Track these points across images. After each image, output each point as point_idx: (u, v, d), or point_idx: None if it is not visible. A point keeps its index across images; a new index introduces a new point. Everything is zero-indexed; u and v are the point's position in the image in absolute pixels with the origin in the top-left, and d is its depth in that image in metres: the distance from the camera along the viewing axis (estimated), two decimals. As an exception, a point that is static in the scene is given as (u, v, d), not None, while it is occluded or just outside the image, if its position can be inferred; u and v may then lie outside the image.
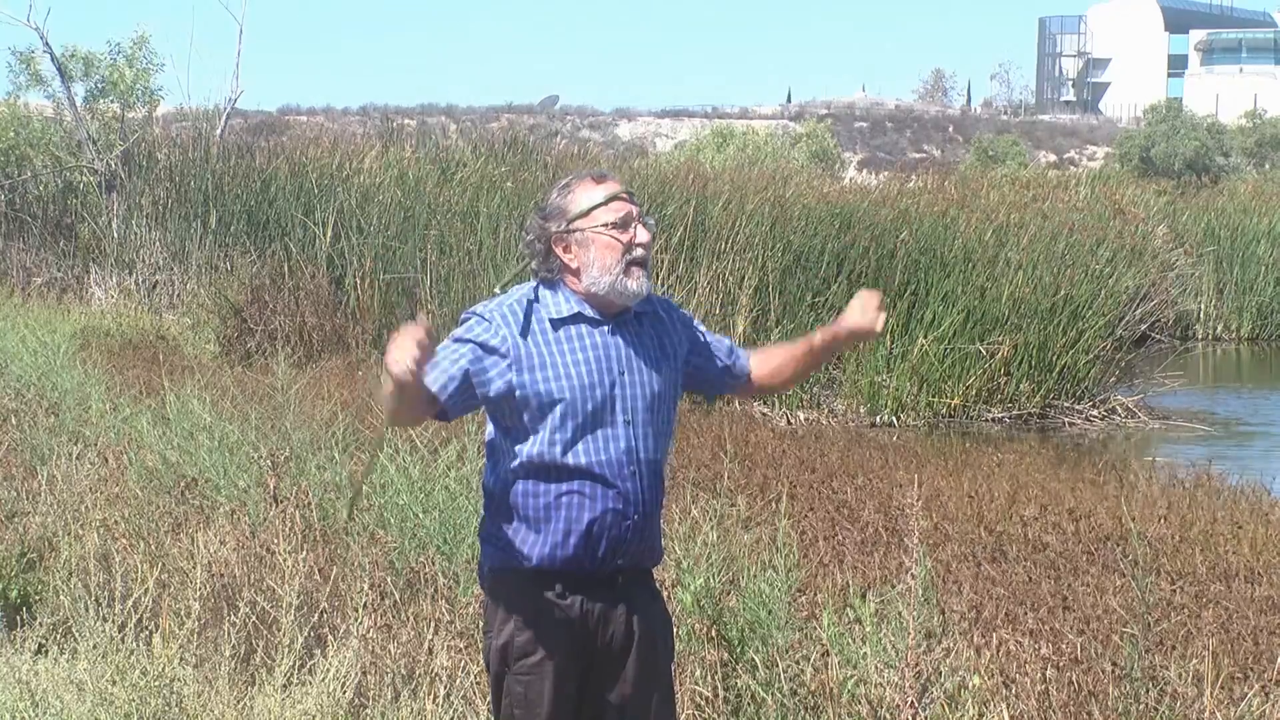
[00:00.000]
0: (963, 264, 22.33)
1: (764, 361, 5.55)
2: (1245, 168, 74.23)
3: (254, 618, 7.66)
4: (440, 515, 8.95)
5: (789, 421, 19.14)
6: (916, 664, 6.10)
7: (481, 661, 5.42)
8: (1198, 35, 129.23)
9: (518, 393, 5.07)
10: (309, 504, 9.72)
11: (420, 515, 9.06)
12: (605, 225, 5.11)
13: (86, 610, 7.46)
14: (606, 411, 5.10)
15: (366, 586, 7.88)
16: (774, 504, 9.80)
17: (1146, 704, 6.17)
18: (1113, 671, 6.62)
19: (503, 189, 24.06)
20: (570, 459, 5.07)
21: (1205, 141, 76.26)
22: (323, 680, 6.95)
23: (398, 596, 8.18)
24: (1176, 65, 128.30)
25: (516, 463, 5.12)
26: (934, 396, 20.77)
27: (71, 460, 11.36)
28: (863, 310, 5.37)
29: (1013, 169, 63.04)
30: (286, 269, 22.90)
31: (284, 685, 6.94)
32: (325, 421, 11.71)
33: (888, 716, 6.21)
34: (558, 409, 5.06)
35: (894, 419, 20.45)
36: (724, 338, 5.53)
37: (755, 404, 20.17)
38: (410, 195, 24.66)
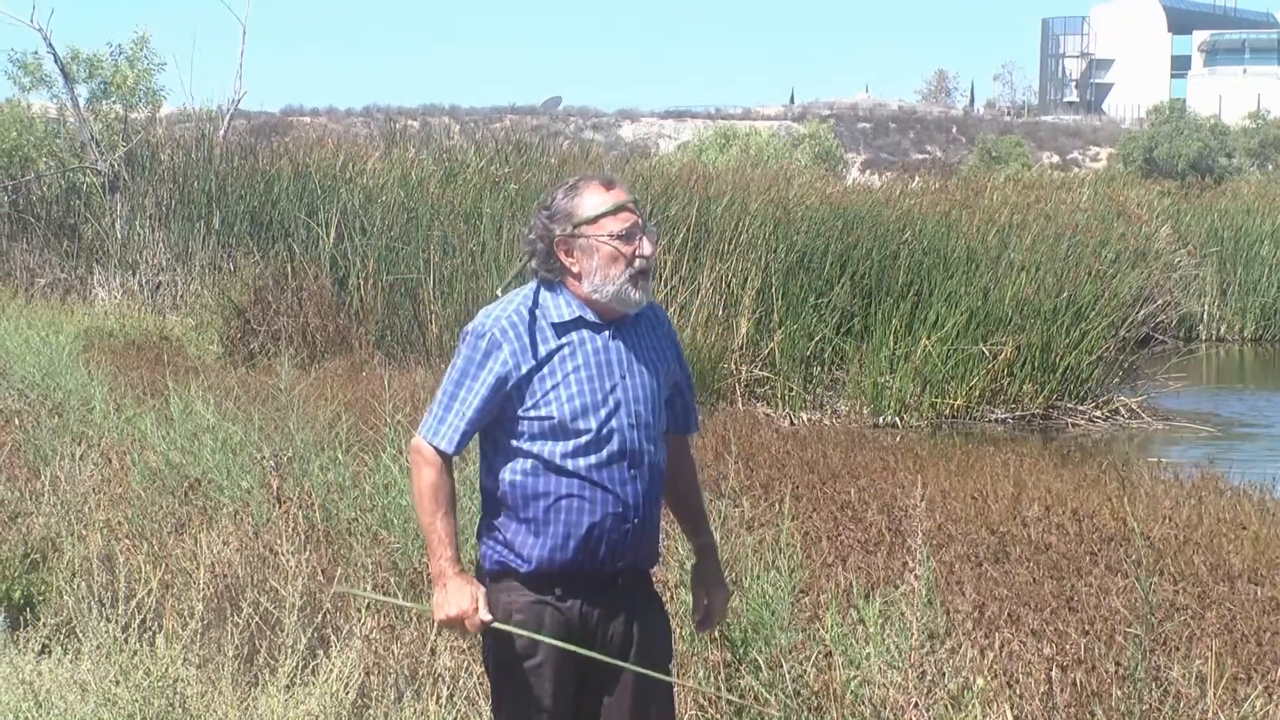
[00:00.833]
0: (966, 265, 22.32)
1: (684, 464, 5.57)
2: (1248, 168, 74.28)
3: (257, 618, 7.66)
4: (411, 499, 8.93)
5: (792, 422, 19.13)
6: (920, 665, 6.09)
7: (482, 663, 5.41)
8: (1201, 36, 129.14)
9: (526, 402, 5.08)
10: (312, 505, 9.73)
11: (423, 516, 9.04)
12: (611, 235, 5.11)
13: (90, 611, 7.46)
14: (608, 416, 5.10)
15: (370, 587, 7.89)
16: (777, 505, 9.79)
17: (1150, 705, 6.17)
18: (1116, 672, 6.62)
19: (506, 190, 24.05)
20: (571, 464, 5.08)
21: (1208, 142, 76.28)
22: (326, 681, 6.95)
23: (401, 597, 8.18)
24: (1179, 66, 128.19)
25: (515, 466, 5.12)
26: (937, 397, 20.75)
27: (75, 461, 11.36)
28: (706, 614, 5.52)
29: (1016, 170, 63.03)
30: (290, 270, 22.89)
31: (287, 686, 6.94)
32: (328, 422, 11.72)
33: (891, 717, 6.21)
34: (560, 417, 5.07)
35: (897, 420, 20.44)
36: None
37: (759, 405, 20.17)
38: (413, 196, 24.65)
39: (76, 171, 30.32)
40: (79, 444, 12.08)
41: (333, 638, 7.47)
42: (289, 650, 7.17)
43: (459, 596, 5.05)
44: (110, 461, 11.60)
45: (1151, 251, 32.83)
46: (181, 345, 21.91)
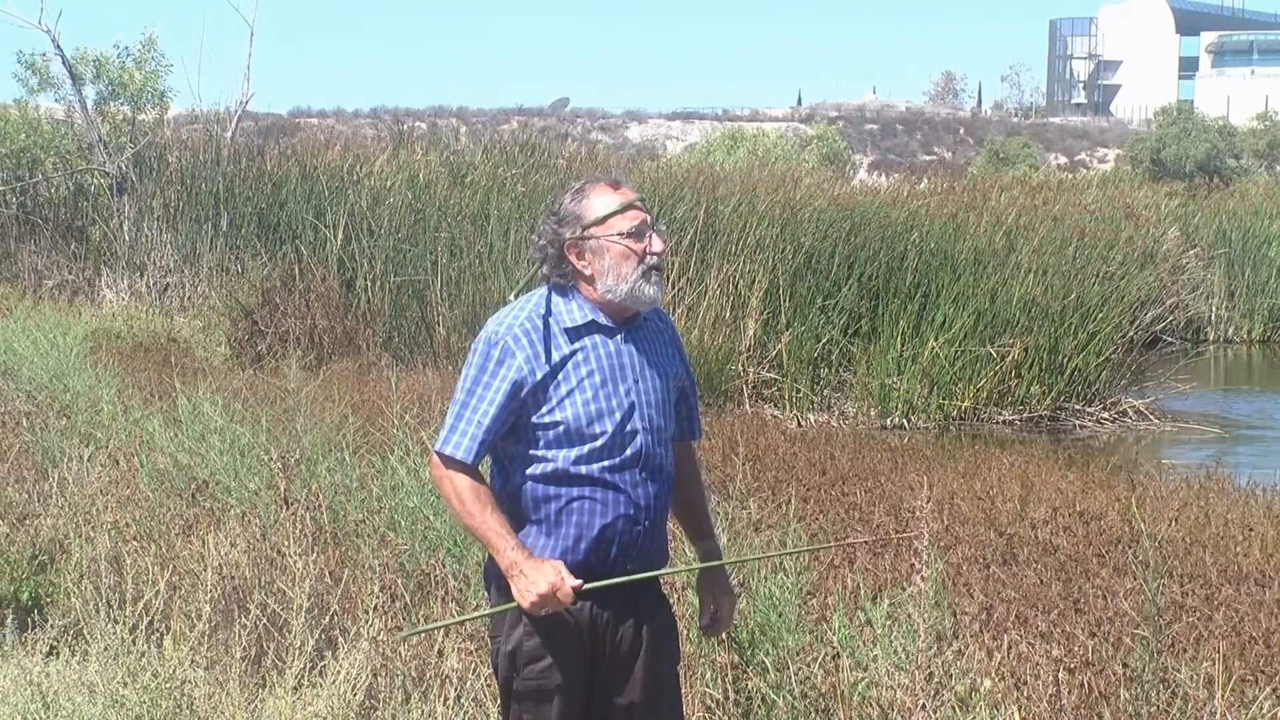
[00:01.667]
0: (973, 266, 22.31)
1: (689, 471, 5.57)
2: (1257, 170, 74.22)
3: (265, 620, 7.66)
4: (451, 518, 8.95)
5: (800, 424, 19.13)
6: (927, 667, 6.09)
7: (490, 665, 5.41)
8: (1209, 37, 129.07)
9: (541, 408, 5.09)
10: (320, 506, 9.74)
11: (431, 518, 9.07)
12: (620, 234, 5.12)
13: (98, 612, 7.47)
14: (623, 420, 5.11)
15: (377, 589, 7.89)
16: (785, 506, 9.80)
17: (1158, 706, 6.17)
18: (1124, 674, 6.62)
19: (514, 191, 24.06)
20: (584, 468, 5.08)
21: (1216, 144, 76.18)
22: (333, 683, 6.96)
23: (408, 599, 8.19)
24: (1187, 67, 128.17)
25: (528, 469, 5.12)
26: (945, 399, 20.74)
27: (83, 462, 11.37)
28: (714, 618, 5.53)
29: (1023, 171, 63.04)
30: (297, 271, 22.91)
31: (295, 688, 6.94)
32: (336, 424, 11.73)
33: (899, 719, 6.21)
34: (575, 422, 5.07)
35: (905, 421, 20.44)
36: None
37: (766, 407, 20.17)
38: (421, 197, 24.66)
39: (84, 173, 30.34)
40: (87, 445, 12.09)
41: (340, 639, 7.47)
42: (296, 652, 7.18)
43: (540, 576, 4.99)
44: (118, 463, 11.61)
45: (1159, 253, 32.78)
46: (189, 347, 21.92)
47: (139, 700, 6.67)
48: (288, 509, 9.66)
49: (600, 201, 5.14)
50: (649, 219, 5.20)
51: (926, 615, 6.10)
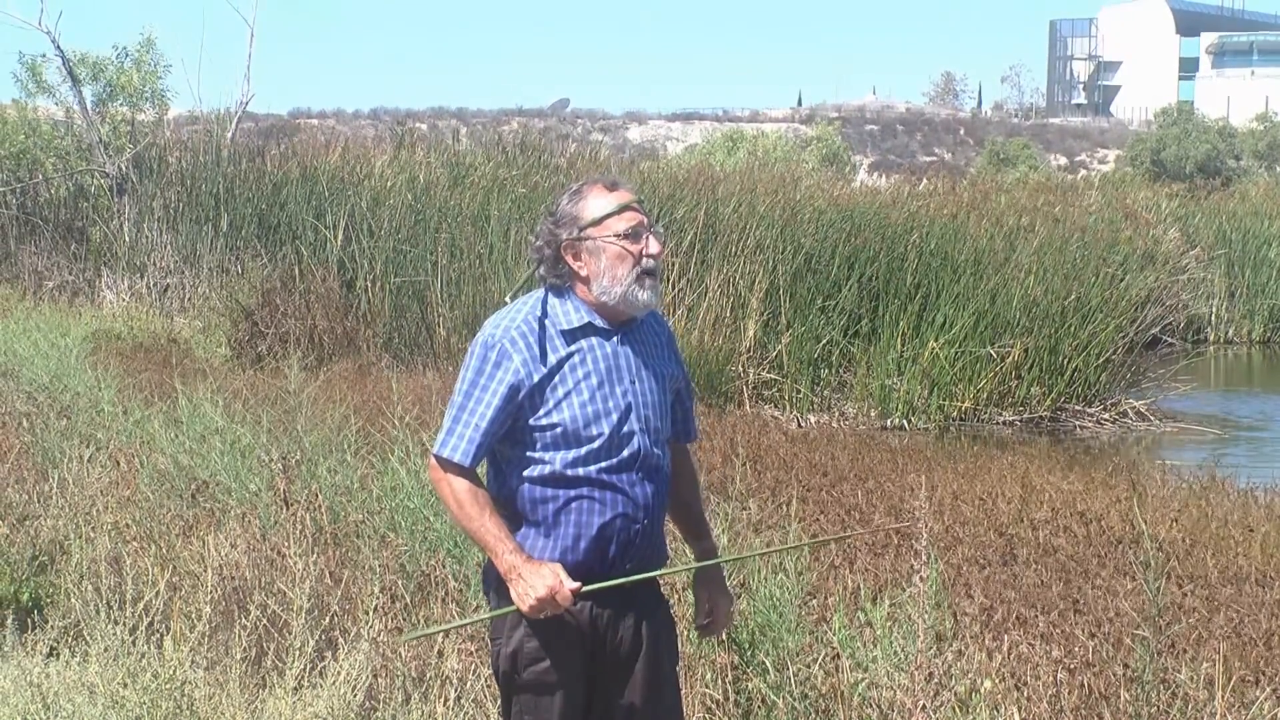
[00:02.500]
0: (973, 267, 22.32)
1: (686, 470, 5.55)
2: (1257, 170, 74.25)
3: (265, 621, 7.66)
4: (449, 520, 8.95)
5: (800, 425, 19.13)
6: (927, 667, 6.09)
7: (491, 667, 5.40)
8: (1209, 38, 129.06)
9: (538, 410, 5.09)
10: (320, 507, 9.74)
11: (431, 518, 9.07)
12: (617, 235, 5.11)
13: (98, 613, 7.47)
14: (619, 422, 5.11)
15: (377, 589, 7.89)
16: (785, 507, 9.80)
17: (1158, 707, 6.17)
18: (1124, 674, 6.62)
19: (514, 192, 24.06)
20: (582, 469, 5.08)
21: (1216, 144, 76.18)
22: (333, 683, 6.96)
23: (408, 599, 8.19)
24: (1187, 68, 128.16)
25: (525, 471, 5.12)
26: (945, 400, 20.75)
27: (83, 463, 11.37)
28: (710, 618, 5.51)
29: (1023, 172, 63.06)
30: (297, 272, 22.91)
31: (295, 688, 6.94)
32: (336, 425, 11.72)
33: (899, 719, 6.21)
34: (573, 424, 5.07)
35: (905, 422, 20.44)
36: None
37: (766, 407, 20.17)
38: (421, 198, 24.67)
39: (84, 174, 30.34)
40: (87, 446, 12.08)
41: (340, 640, 7.47)
42: (297, 653, 7.18)
43: (539, 579, 4.98)
44: (118, 464, 11.61)
45: (1159, 254, 32.85)
46: (189, 348, 21.92)
47: (139, 701, 6.67)
48: (288, 510, 9.66)
49: (597, 203, 5.14)
50: (646, 220, 5.19)
51: (926, 616, 6.10)
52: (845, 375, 21.34)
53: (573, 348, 5.11)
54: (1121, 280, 23.31)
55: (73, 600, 8.33)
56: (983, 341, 21.13)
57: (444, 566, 8.54)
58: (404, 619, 7.90)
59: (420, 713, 6.84)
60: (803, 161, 55.04)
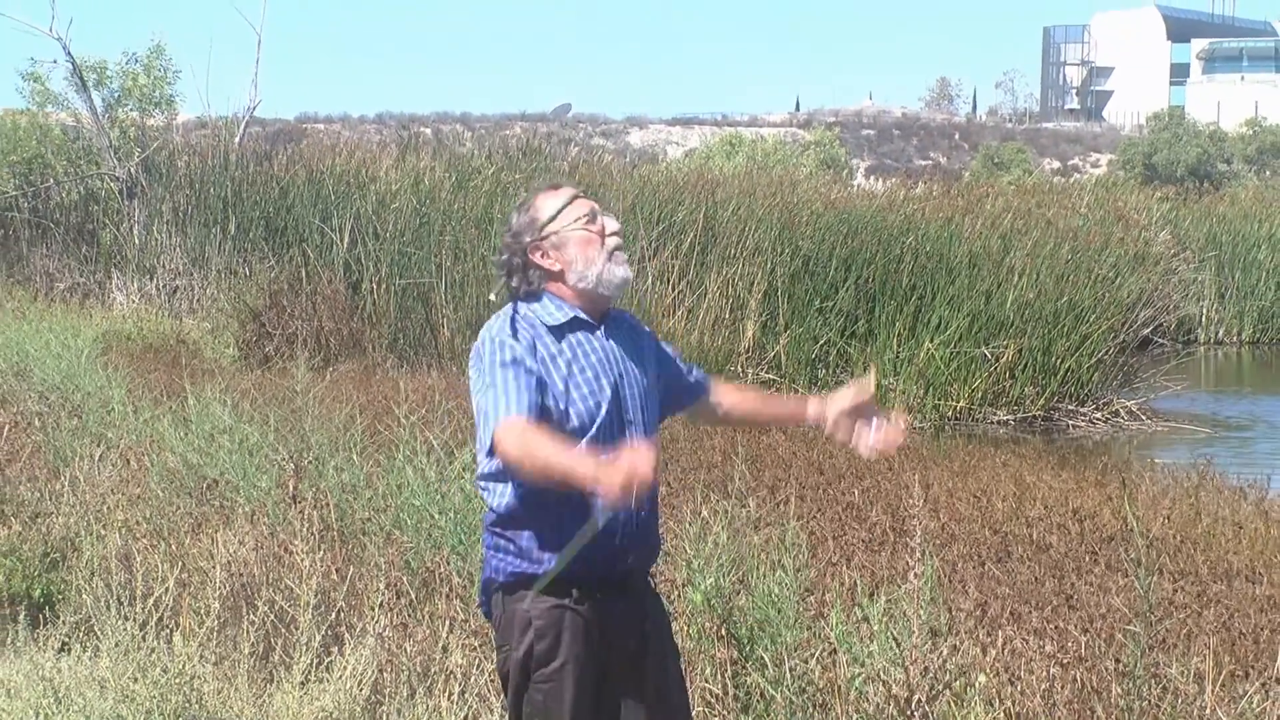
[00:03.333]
0: (968, 269, 22.32)
1: (733, 392, 5.63)
2: (1246, 174, 74.29)
3: (272, 616, 7.67)
4: (455, 516, 8.96)
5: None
6: (923, 662, 6.10)
7: (497, 669, 5.34)
8: (1199, 44, 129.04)
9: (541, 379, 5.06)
10: (327, 505, 9.74)
11: (436, 516, 9.07)
12: (576, 221, 5.17)
13: (108, 609, 7.47)
14: (613, 413, 5.10)
15: (383, 586, 7.90)
16: (783, 505, 9.80)
17: (1149, 701, 6.17)
18: (1116, 669, 6.62)
19: (518, 196, 23.96)
20: None
21: (1207, 148, 76.29)
22: (340, 678, 6.96)
23: (413, 596, 8.19)
24: (1179, 74, 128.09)
25: (521, 494, 5.09)
26: (940, 399, 20.76)
27: (94, 462, 11.38)
28: (858, 392, 5.53)
29: (1017, 176, 63.02)
30: (304, 274, 22.92)
31: (302, 683, 6.95)
32: (343, 424, 11.73)
33: (895, 714, 6.21)
34: (572, 419, 5.05)
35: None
36: (687, 364, 5.58)
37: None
38: (426, 202, 24.67)
39: (94, 178, 30.34)
40: (98, 445, 12.09)
41: (346, 635, 7.48)
42: (304, 648, 7.18)
43: (615, 469, 4.68)
44: (128, 462, 11.61)
45: (1151, 256, 32.79)
46: (198, 348, 21.92)
47: (149, 695, 6.67)
48: (295, 507, 9.66)
49: (547, 202, 5.19)
50: (596, 206, 5.26)
51: (922, 612, 6.10)
52: (842, 375, 21.35)
53: (562, 343, 5.11)
54: (1113, 282, 23.28)
55: (84, 596, 8.33)
56: (977, 342, 21.14)
57: (448, 564, 8.55)
58: (409, 615, 7.90)
59: (425, 707, 6.85)
60: (800, 165, 55.00)
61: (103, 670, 7.02)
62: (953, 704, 6.13)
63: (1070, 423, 21.28)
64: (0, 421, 13.75)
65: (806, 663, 6.72)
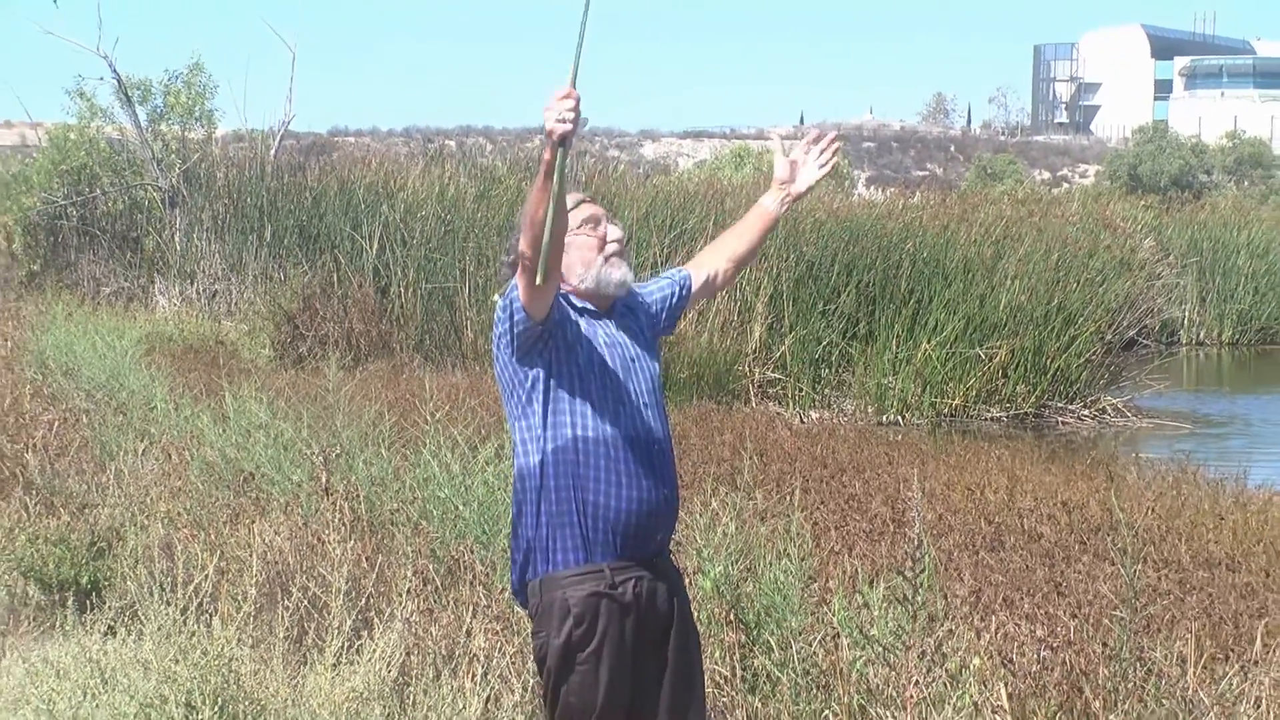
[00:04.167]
0: (963, 274, 22.30)
1: (716, 254, 5.68)
2: (1226, 184, 74.17)
3: (306, 602, 7.67)
4: (479, 507, 8.97)
5: (802, 420, 19.11)
6: (921, 646, 6.09)
7: (534, 657, 5.25)
8: (1182, 61, 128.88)
9: (561, 374, 5.04)
10: (357, 496, 9.75)
11: (460, 507, 9.08)
12: (578, 226, 5.15)
13: (151, 595, 7.48)
14: (628, 396, 5.10)
15: (410, 573, 7.90)
16: (789, 497, 9.80)
17: (1134, 683, 6.17)
18: (1103, 652, 6.61)
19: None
20: (603, 448, 5.02)
21: (1189, 160, 76.18)
22: (369, 660, 6.96)
23: (439, 583, 8.19)
24: (1162, 89, 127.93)
25: (550, 460, 5.04)
26: (936, 397, 20.74)
27: (138, 456, 11.40)
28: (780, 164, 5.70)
29: (1010, 186, 62.95)
30: (335, 279, 22.94)
31: (334, 665, 6.95)
32: (372, 420, 11.73)
33: (893, 694, 6.21)
34: (599, 396, 5.05)
35: (899, 418, 20.43)
36: (662, 278, 5.57)
37: (771, 404, 20.16)
38: (450, 210, 24.66)
39: (138, 188, 30.37)
40: (141, 440, 12.11)
41: (376, 620, 7.48)
42: (335, 632, 7.19)
43: (546, 113, 4.62)
44: (170, 456, 11.62)
45: (1136, 262, 32.71)
46: (235, 349, 21.93)
47: (189, 676, 6.67)
48: (327, 499, 9.67)
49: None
50: (602, 212, 5.25)
51: (920, 598, 6.10)
52: (844, 374, 21.34)
53: (585, 324, 5.15)
54: (1100, 286, 23.24)
55: (128, 583, 8.35)
56: (971, 343, 21.12)
57: (472, 552, 8.55)
58: (434, 601, 7.90)
59: (449, 688, 6.84)
60: (804, 176, 54.79)
61: (146, 653, 7.02)
62: (948, 685, 6.13)
63: (1060, 419, 21.25)
64: (50, 418, 13.76)
65: (810, 646, 6.72)
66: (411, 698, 6.84)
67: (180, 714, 6.53)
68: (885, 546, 9.58)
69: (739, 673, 6.88)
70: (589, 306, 5.18)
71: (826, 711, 6.44)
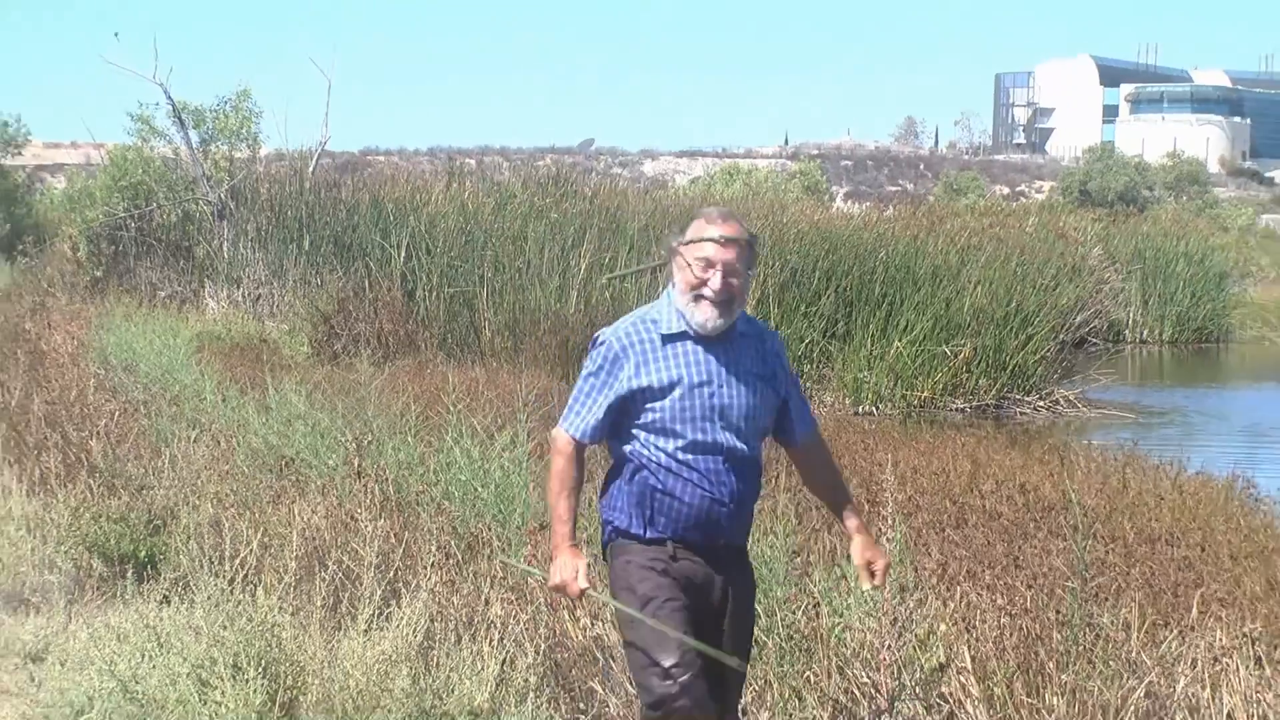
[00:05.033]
0: (931, 279, 22.32)
1: (815, 462, 5.40)
2: (1166, 199, 74.17)
3: (340, 574, 7.68)
4: (496, 489, 8.97)
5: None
6: (893, 613, 6.09)
7: (615, 621, 5.31)
8: (1127, 88, 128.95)
9: (641, 404, 5.05)
10: (387, 479, 9.75)
11: (479, 490, 9.08)
12: (695, 259, 5.04)
13: (202, 568, 7.49)
14: (705, 416, 5.04)
15: (434, 549, 7.90)
16: (774, 480, 9.80)
17: (1084, 646, 6.17)
18: (1056, 619, 6.61)
19: (548, 217, 24.05)
20: (678, 459, 5.03)
21: (1133, 177, 76.20)
22: (397, 626, 6.97)
23: (460, 557, 8.20)
24: (1110, 113, 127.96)
25: (634, 454, 5.09)
26: (907, 390, 20.74)
27: (189, 443, 11.39)
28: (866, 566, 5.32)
29: (973, 200, 62.94)
30: (367, 284, 22.94)
31: (365, 630, 6.96)
32: (400, 411, 11.73)
33: (869, 657, 6.21)
34: (671, 420, 5.02)
35: (874, 409, 20.43)
36: (796, 393, 5.35)
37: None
38: (470, 222, 24.65)
39: (190, 202, 30.35)
40: (193, 429, 12.10)
41: (403, 590, 7.48)
42: (367, 600, 7.19)
43: (565, 568, 5.03)
44: (219, 443, 11.62)
45: (1086, 268, 32.77)
46: (277, 347, 21.91)
47: (236, 640, 6.68)
48: (359, 482, 9.68)
49: (696, 225, 5.09)
50: (720, 260, 5.02)
51: (892, 570, 6.10)
52: (824, 370, 21.35)
53: (667, 349, 5.07)
54: (1054, 290, 23.27)
55: (181, 557, 8.35)
56: (939, 341, 21.12)
57: (489, 529, 8.55)
58: (456, 573, 7.90)
59: (469, 651, 6.85)
60: (788, 191, 54.98)
61: (197, 619, 7.03)
62: (918, 649, 6.13)
63: (1018, 410, 21.25)
64: (112, 409, 13.75)
65: (794, 614, 6.72)
66: (435, 660, 6.84)
67: (228, 674, 6.54)
68: (861, 524, 9.56)
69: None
70: (688, 330, 5.07)
71: (808, 673, 6.44)
